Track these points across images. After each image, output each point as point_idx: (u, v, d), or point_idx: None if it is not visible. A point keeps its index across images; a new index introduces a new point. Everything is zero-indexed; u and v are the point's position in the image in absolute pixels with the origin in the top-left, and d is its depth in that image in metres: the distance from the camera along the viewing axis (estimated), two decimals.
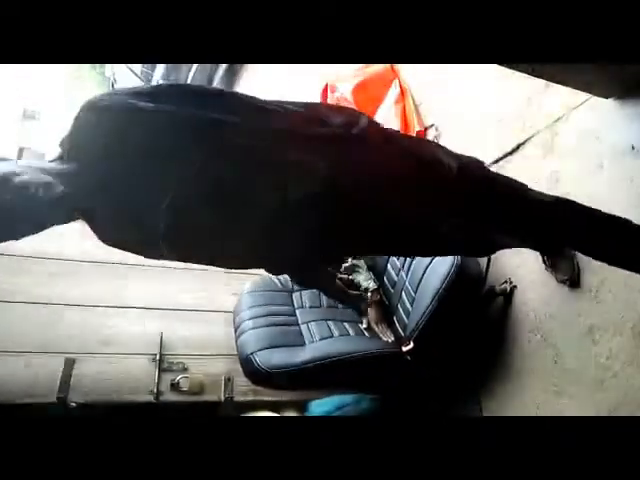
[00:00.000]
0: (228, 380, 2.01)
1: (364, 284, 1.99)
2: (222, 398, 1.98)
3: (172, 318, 2.17)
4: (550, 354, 1.59)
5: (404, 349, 1.75)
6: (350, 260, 2.05)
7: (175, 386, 1.92)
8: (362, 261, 2.09)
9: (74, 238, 2.22)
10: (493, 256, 1.78)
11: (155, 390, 1.90)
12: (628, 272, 1.42)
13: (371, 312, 1.95)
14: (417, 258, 1.85)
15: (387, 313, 1.95)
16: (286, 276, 2.10)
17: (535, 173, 1.77)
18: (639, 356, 1.34)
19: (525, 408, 1.64)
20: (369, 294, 1.97)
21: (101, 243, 2.27)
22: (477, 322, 1.79)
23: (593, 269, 1.51)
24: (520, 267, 1.76)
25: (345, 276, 1.94)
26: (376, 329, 1.89)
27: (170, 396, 1.92)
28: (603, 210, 1.29)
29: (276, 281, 2.12)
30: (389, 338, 1.83)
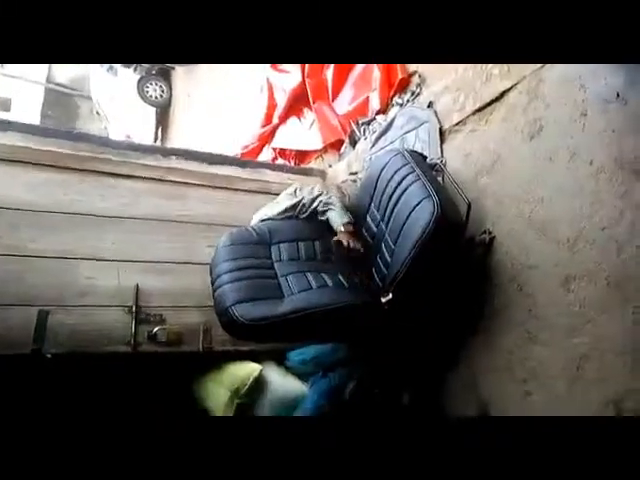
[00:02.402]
0: (206, 331, 2.00)
1: (337, 220, 1.97)
2: (200, 349, 1.98)
3: (148, 270, 2.13)
4: (526, 303, 1.61)
5: (383, 300, 1.75)
6: (323, 201, 2.02)
7: (152, 337, 1.91)
8: (335, 198, 2.05)
9: (47, 187, 2.14)
10: (473, 207, 1.77)
11: (132, 341, 1.89)
12: (605, 224, 1.43)
13: (342, 237, 1.95)
14: (397, 211, 1.84)
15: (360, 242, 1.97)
16: (263, 228, 2.07)
17: (519, 120, 1.74)
18: (612, 304, 1.37)
19: (499, 355, 1.68)
20: (342, 227, 1.95)
21: (73, 194, 2.19)
22: (455, 272, 1.80)
23: (570, 221, 1.52)
24: (500, 217, 1.76)
25: None
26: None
27: (148, 347, 1.92)
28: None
29: (253, 233, 2.07)
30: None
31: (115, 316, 1.95)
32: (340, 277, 1.89)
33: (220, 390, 1.97)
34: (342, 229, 1.97)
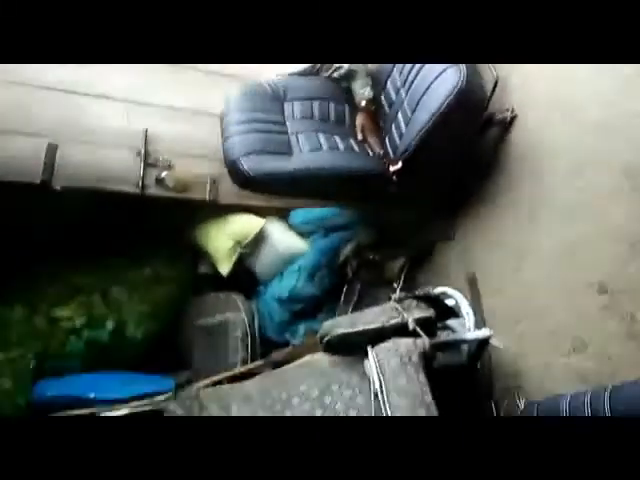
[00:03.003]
0: (213, 183, 2.02)
1: (359, 92, 1.90)
2: (207, 199, 2.01)
3: (157, 115, 2.08)
4: (534, 184, 1.61)
5: (392, 169, 1.75)
6: (346, 66, 1.92)
7: (160, 182, 1.92)
8: (360, 66, 1.95)
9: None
10: (500, 83, 1.69)
11: (140, 183, 1.91)
12: (637, 111, 1.37)
13: (362, 120, 1.90)
14: (419, 78, 1.75)
15: (379, 128, 1.91)
16: (278, 83, 1.99)
17: None
18: (621, 193, 1.36)
19: (496, 230, 1.72)
20: (363, 102, 1.90)
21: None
22: (469, 148, 1.77)
23: (600, 105, 1.45)
24: (527, 96, 1.69)
25: None
26: (366, 139, 1.87)
27: (155, 191, 1.94)
28: None
29: (267, 88, 1.99)
30: (378, 149, 1.82)
31: (123, 157, 1.94)
32: (352, 141, 1.86)
33: (224, 239, 2.05)
34: (363, 104, 1.90)
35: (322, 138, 1.83)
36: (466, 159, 1.78)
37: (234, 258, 2.05)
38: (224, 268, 2.07)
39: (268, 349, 2.00)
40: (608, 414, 1.05)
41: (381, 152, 1.81)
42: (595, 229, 1.41)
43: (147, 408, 1.62)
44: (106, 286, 2.03)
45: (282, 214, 2.14)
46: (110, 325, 1.97)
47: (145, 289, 2.09)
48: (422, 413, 1.33)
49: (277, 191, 1.85)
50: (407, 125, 1.75)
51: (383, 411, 1.37)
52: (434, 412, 1.34)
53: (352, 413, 1.46)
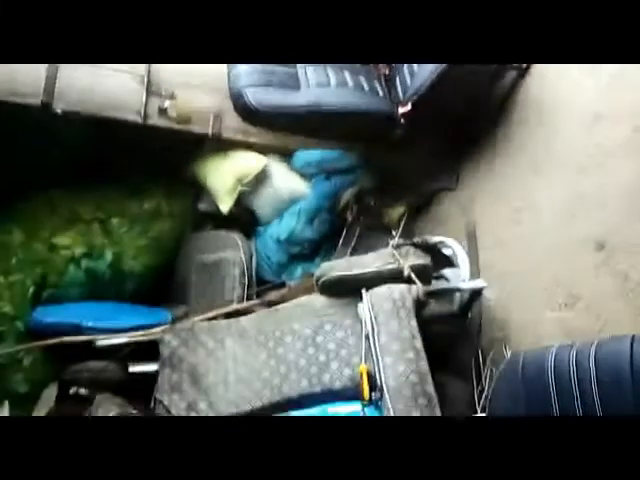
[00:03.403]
0: (217, 117, 1.97)
1: None
2: (210, 133, 1.96)
3: None
4: (542, 136, 1.57)
5: (400, 110, 1.70)
6: None
7: (163, 111, 1.87)
8: None
9: None
10: None
11: (143, 112, 1.86)
12: None
13: None
14: None
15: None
16: None
17: None
18: (631, 150, 1.32)
19: (500, 181, 1.70)
20: None
21: None
22: (481, 94, 1.71)
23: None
24: None
25: None
26: None
27: (158, 121, 1.89)
28: None
29: None
30: (383, 68, 1.81)
31: (126, 83, 1.89)
32: (362, 78, 1.79)
33: (225, 176, 2.02)
34: None
35: (331, 73, 1.76)
36: (476, 105, 1.73)
37: (234, 196, 2.03)
38: (224, 206, 2.06)
39: (264, 289, 2.02)
40: (593, 369, 1.06)
41: (387, 72, 1.74)
42: (600, 184, 1.38)
43: (144, 338, 1.66)
44: (105, 216, 2.02)
45: (284, 155, 2.10)
46: (109, 256, 1.98)
47: (145, 222, 2.09)
48: (411, 356, 1.36)
49: (281, 127, 1.81)
50: (420, 66, 1.69)
51: (373, 352, 1.40)
52: (423, 356, 1.37)
53: (343, 353, 1.50)
